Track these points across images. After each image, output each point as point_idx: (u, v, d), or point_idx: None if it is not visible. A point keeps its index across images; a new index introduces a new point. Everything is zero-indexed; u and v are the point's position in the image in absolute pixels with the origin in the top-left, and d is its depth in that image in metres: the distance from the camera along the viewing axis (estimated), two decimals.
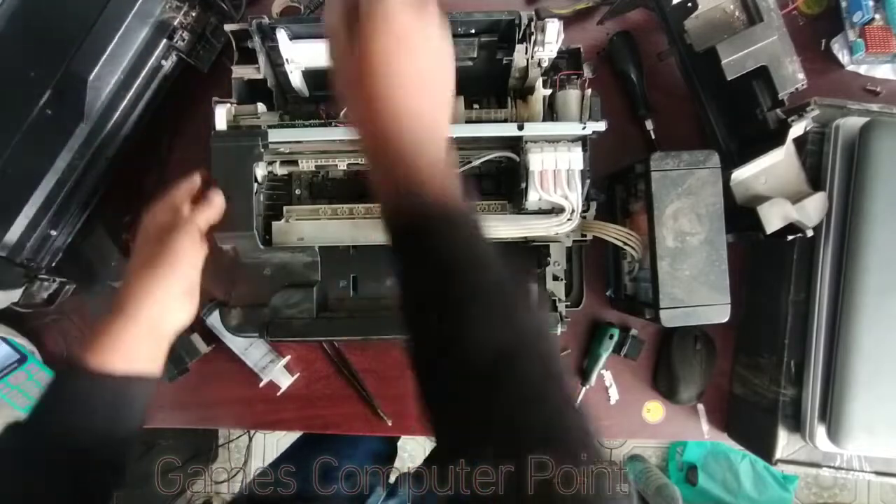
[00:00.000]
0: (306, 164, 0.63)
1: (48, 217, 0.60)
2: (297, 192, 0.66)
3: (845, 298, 0.58)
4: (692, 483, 1.51)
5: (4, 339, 0.68)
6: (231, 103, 0.60)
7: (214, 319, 0.70)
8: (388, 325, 0.61)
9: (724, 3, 0.62)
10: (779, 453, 0.63)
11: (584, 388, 0.71)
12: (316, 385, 0.73)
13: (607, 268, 0.71)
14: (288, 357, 0.72)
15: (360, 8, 0.36)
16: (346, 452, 0.77)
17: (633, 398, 0.73)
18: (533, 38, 0.58)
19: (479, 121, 0.62)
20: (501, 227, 0.60)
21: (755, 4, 0.59)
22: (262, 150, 0.58)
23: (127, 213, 0.71)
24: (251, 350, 0.71)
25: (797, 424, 0.62)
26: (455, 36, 0.60)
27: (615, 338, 0.70)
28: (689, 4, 0.61)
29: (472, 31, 0.60)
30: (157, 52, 0.62)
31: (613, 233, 0.63)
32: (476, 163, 0.62)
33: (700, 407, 0.73)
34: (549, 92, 0.60)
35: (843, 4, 0.69)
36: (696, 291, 0.57)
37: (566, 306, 0.64)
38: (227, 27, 0.60)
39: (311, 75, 0.63)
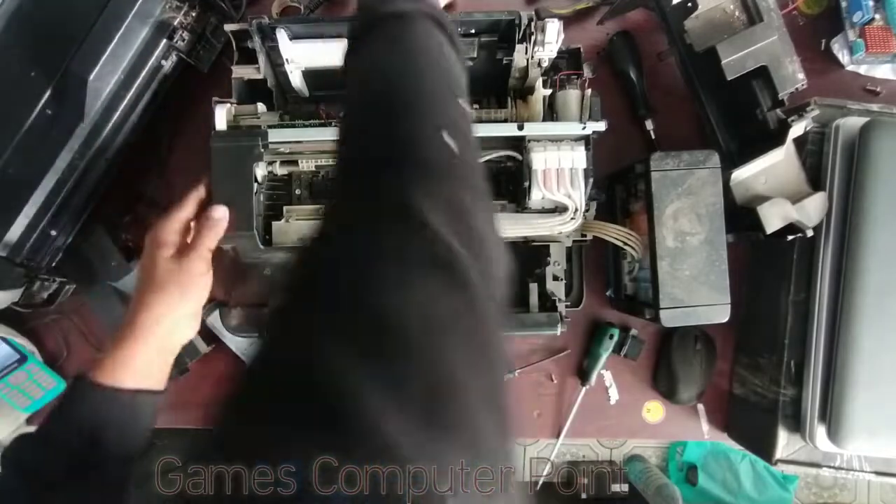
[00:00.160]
0: (306, 164, 0.62)
1: (48, 217, 0.60)
2: (298, 192, 0.66)
3: (845, 298, 0.58)
4: (692, 483, 1.51)
5: (4, 339, 0.68)
6: (231, 103, 0.60)
7: (214, 319, 0.69)
8: None
9: (724, 3, 0.62)
10: (779, 453, 0.63)
11: (584, 388, 0.71)
12: None
13: (607, 268, 0.71)
14: None
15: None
16: None
17: (633, 398, 0.73)
18: (533, 38, 0.58)
19: (479, 121, 0.62)
20: (505, 227, 0.60)
21: (755, 4, 0.59)
22: (263, 150, 0.58)
23: (127, 213, 0.72)
24: (251, 350, 0.71)
25: (797, 424, 0.62)
26: None
27: (615, 338, 0.70)
28: (689, 4, 0.61)
29: (473, 31, 0.60)
30: (157, 52, 0.62)
31: (613, 233, 0.63)
32: None
33: (700, 407, 0.73)
34: (549, 92, 0.60)
35: (843, 4, 0.69)
36: (696, 291, 0.57)
37: (566, 306, 0.64)
38: (227, 27, 0.60)
39: (311, 75, 0.63)
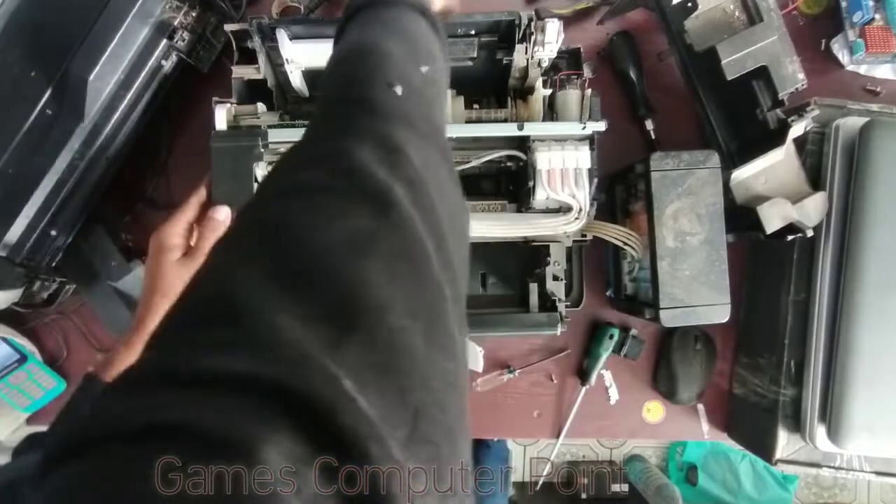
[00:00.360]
0: None
1: (48, 217, 0.60)
2: None
3: (845, 298, 0.58)
4: (692, 483, 1.51)
5: (4, 339, 0.68)
6: (231, 103, 0.60)
7: None
8: None
9: (724, 3, 0.62)
10: (779, 453, 0.63)
11: (584, 388, 0.71)
12: None
13: (607, 268, 0.71)
14: None
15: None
16: None
17: (633, 398, 0.73)
18: (533, 38, 0.58)
19: (478, 121, 0.62)
20: (509, 226, 0.60)
21: (755, 4, 0.59)
22: (263, 149, 0.58)
23: (127, 213, 0.72)
24: None
25: (797, 424, 0.62)
26: (455, 36, 0.60)
27: (615, 338, 0.70)
28: (689, 4, 0.61)
29: (473, 31, 0.60)
30: (157, 53, 0.62)
31: (613, 233, 0.63)
32: (476, 163, 0.62)
33: (700, 407, 0.73)
34: (549, 92, 0.60)
35: (843, 4, 0.69)
36: (696, 291, 0.57)
37: (566, 306, 0.64)
38: (228, 27, 0.60)
39: (311, 75, 0.63)
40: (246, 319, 0.17)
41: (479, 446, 1.22)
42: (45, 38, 0.57)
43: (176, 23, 0.63)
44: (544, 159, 0.57)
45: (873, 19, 0.67)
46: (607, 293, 0.72)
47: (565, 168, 0.58)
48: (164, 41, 0.62)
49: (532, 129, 0.58)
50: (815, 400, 0.60)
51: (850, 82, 0.72)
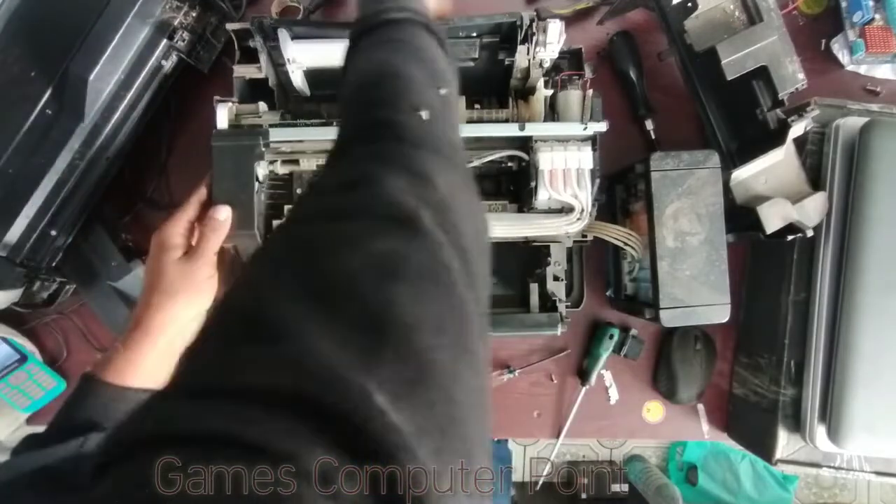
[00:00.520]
0: (308, 164, 0.62)
1: (48, 217, 0.60)
2: (299, 191, 0.66)
3: (845, 298, 0.58)
4: (692, 483, 1.52)
5: (4, 339, 0.68)
6: (232, 102, 0.60)
7: None
8: None
9: (724, 3, 0.62)
10: (779, 453, 0.63)
11: (584, 388, 0.71)
12: None
13: (607, 268, 0.71)
14: None
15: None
16: None
17: (633, 398, 0.73)
18: (535, 38, 0.58)
19: (480, 121, 0.62)
20: (511, 226, 0.60)
21: (755, 4, 0.59)
22: (264, 149, 0.58)
23: (127, 213, 0.72)
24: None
25: (797, 424, 0.62)
26: (457, 37, 0.60)
27: (615, 338, 0.70)
28: (689, 4, 0.61)
29: (474, 33, 0.60)
30: (157, 53, 0.62)
31: (613, 233, 0.63)
32: (477, 163, 0.62)
33: (700, 407, 0.73)
34: (550, 92, 0.60)
35: (843, 4, 0.69)
36: (696, 291, 0.57)
37: (566, 306, 0.64)
38: (230, 26, 0.60)
39: (312, 75, 0.63)
40: (283, 337, 0.19)
41: None
42: (45, 38, 0.57)
43: (176, 23, 0.63)
44: (546, 160, 0.57)
45: (873, 19, 0.67)
46: (607, 293, 0.72)
47: (567, 168, 0.58)
48: (165, 41, 0.62)
49: (533, 130, 0.58)
50: (815, 400, 0.60)
51: (850, 82, 0.72)
